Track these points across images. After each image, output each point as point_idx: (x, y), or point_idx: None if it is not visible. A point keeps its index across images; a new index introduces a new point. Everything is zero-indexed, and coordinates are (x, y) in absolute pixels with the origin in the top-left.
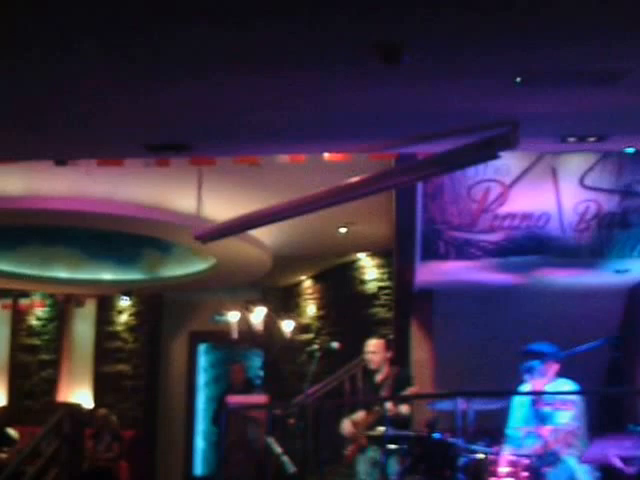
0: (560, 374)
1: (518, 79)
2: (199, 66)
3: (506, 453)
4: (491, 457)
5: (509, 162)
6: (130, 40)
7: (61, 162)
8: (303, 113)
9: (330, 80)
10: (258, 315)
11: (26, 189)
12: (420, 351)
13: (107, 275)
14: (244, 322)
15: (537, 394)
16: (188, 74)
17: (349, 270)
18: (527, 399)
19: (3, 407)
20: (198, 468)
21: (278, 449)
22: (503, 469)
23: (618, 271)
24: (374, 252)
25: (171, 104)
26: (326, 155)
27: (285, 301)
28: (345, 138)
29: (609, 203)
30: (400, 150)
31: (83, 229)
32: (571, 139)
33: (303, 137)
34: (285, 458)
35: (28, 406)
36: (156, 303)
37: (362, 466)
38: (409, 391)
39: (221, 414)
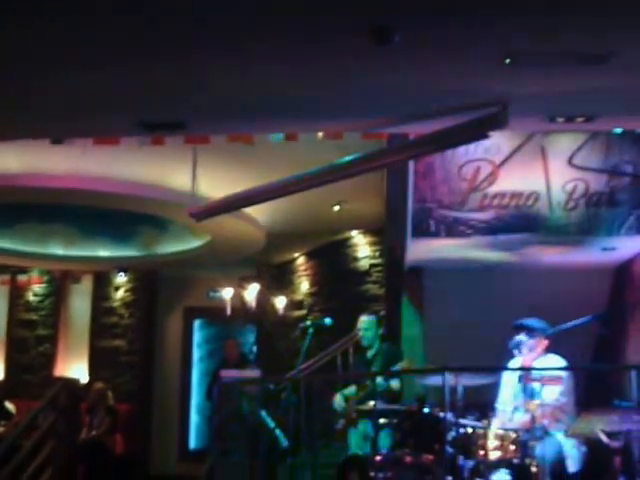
0: (549, 350)
1: (508, 60)
2: (193, 46)
3: (494, 427)
4: (480, 431)
5: (499, 142)
6: (124, 18)
7: (57, 141)
8: (296, 93)
9: (322, 60)
10: (252, 291)
11: (24, 167)
12: (411, 327)
13: (104, 252)
14: (238, 298)
15: (525, 370)
16: (182, 54)
17: (342, 247)
18: (516, 374)
19: (1, 381)
20: (192, 442)
21: (271, 423)
22: (491, 443)
23: (605, 249)
24: (366, 230)
25: (166, 83)
26: (320, 134)
27: (279, 278)
28: (338, 117)
29: (597, 182)
30: (392, 129)
31: (80, 206)
32: (560, 119)
33: (296, 116)
34: (278, 432)
35: (26, 380)
36: (152, 279)
37: (353, 440)
38: (400, 366)
39: (215, 388)
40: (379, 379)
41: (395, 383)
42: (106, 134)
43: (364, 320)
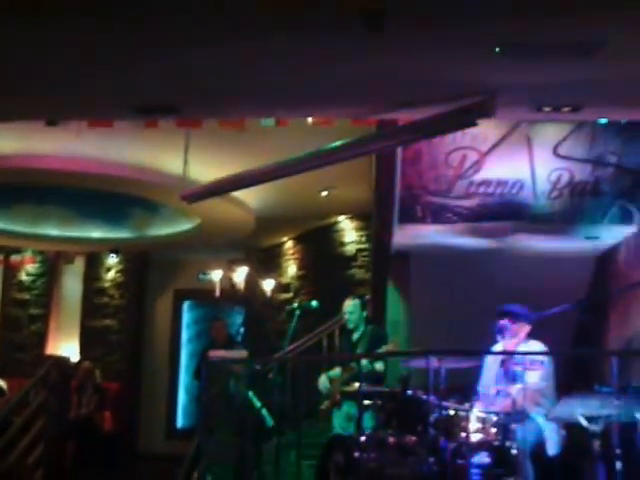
0: (531, 336)
1: (497, 49)
2: (185, 32)
3: (476, 410)
4: (462, 414)
5: (485, 130)
6: (121, 5)
7: (52, 122)
8: (287, 79)
9: (314, 47)
10: (240, 274)
11: (19, 148)
12: (395, 311)
13: (96, 233)
14: (227, 281)
15: (507, 354)
16: (174, 40)
17: (329, 232)
18: (498, 359)
19: None
20: (180, 420)
21: (258, 403)
22: (473, 425)
23: (588, 238)
24: (354, 215)
25: (159, 67)
26: (310, 120)
27: (267, 261)
28: (328, 104)
29: (581, 172)
30: (381, 116)
31: (74, 188)
32: (546, 109)
33: (288, 102)
34: (264, 412)
35: (19, 358)
36: (143, 261)
37: (338, 421)
38: (384, 349)
39: (203, 368)
40: (364, 361)
41: (379, 365)
42: (100, 117)
43: (349, 304)
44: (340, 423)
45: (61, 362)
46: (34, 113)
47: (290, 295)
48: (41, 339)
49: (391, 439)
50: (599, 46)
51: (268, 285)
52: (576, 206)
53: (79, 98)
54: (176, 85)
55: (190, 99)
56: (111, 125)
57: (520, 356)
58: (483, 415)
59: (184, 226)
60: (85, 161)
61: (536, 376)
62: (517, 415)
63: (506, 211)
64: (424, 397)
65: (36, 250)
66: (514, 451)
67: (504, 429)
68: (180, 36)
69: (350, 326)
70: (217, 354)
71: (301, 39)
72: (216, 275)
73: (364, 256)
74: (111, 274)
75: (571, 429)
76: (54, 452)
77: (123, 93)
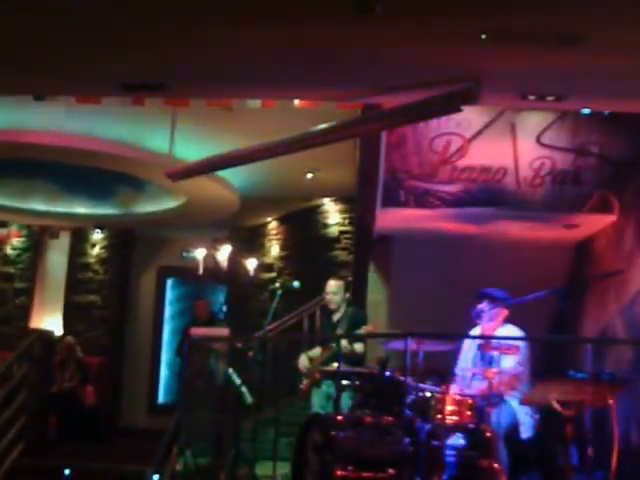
0: (508, 320)
1: (483, 36)
2: (175, 11)
3: (453, 392)
4: (438, 396)
5: (470, 116)
6: None
7: (40, 97)
8: (273, 61)
9: (300, 29)
10: (224, 253)
11: (6, 123)
12: (376, 293)
13: (82, 209)
14: (210, 259)
15: (485, 338)
16: (165, 17)
17: (313, 214)
18: (475, 342)
19: None
20: (162, 396)
21: (238, 380)
22: (449, 407)
23: (568, 226)
24: (337, 197)
25: (148, 45)
26: (296, 102)
27: (250, 240)
28: (314, 86)
29: (563, 161)
30: (367, 100)
31: (60, 164)
32: (531, 97)
33: (274, 84)
34: (244, 389)
35: (4, 332)
36: (128, 238)
37: (316, 400)
38: (364, 330)
39: (185, 345)
40: (343, 341)
41: (359, 346)
42: (88, 93)
43: (332, 284)
44: (319, 402)
45: (44, 336)
46: (21, 89)
47: (273, 275)
48: (25, 313)
49: (368, 419)
50: (583, 37)
51: (251, 264)
52: (557, 194)
53: (68, 73)
54: (164, 64)
55: (179, 78)
56: (99, 102)
57: (497, 340)
58: (459, 398)
59: (169, 204)
60: (71, 137)
61: (512, 360)
62: (493, 398)
63: (488, 197)
64: (402, 379)
65: (22, 224)
66: (488, 434)
67: (479, 412)
68: (170, 16)
69: (333, 307)
70: (199, 331)
71: (288, 22)
72: (200, 253)
73: (347, 238)
74: (96, 250)
75: (545, 413)
76: (36, 425)
77: (111, 69)
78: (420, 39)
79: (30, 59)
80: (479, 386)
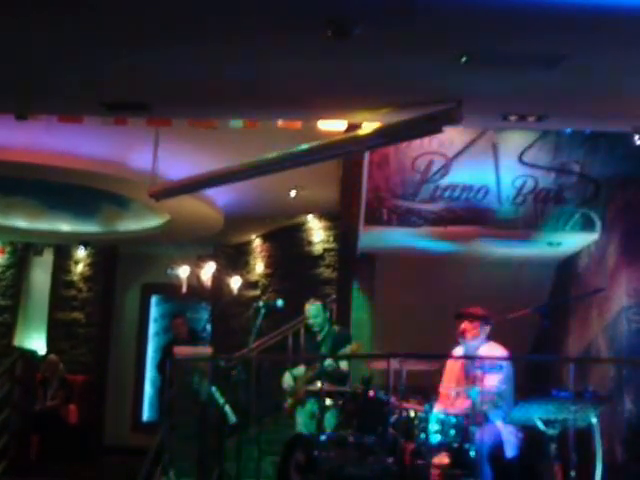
0: (490, 338)
1: (463, 59)
2: (159, 31)
3: (436, 411)
4: (422, 415)
5: (453, 136)
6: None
7: (22, 116)
8: (255, 82)
9: (282, 51)
10: (208, 270)
11: None
12: (360, 311)
13: (65, 226)
14: (195, 277)
15: (467, 358)
16: (148, 39)
17: (297, 231)
18: (459, 361)
19: None
20: (146, 413)
21: (221, 399)
22: (432, 427)
23: (550, 244)
24: (321, 215)
25: (128, 66)
26: (279, 122)
27: (235, 258)
28: (295, 107)
29: (545, 179)
30: (349, 120)
31: (43, 181)
32: (512, 117)
33: (256, 105)
34: (227, 408)
35: None
36: (111, 255)
37: (301, 418)
38: (348, 349)
39: (165, 363)
40: (328, 360)
41: (344, 365)
42: (70, 112)
43: (312, 308)
44: (304, 421)
45: (27, 354)
46: (2, 108)
47: (257, 292)
48: (9, 330)
49: (351, 439)
50: (562, 59)
51: (235, 282)
52: (539, 212)
53: (50, 93)
54: (145, 84)
55: (161, 98)
56: (81, 120)
57: (480, 359)
58: (443, 417)
59: (153, 222)
60: (54, 155)
61: (495, 379)
62: (476, 417)
63: (471, 216)
64: (385, 398)
65: (5, 241)
66: (472, 453)
67: (463, 431)
68: (154, 37)
69: (316, 329)
70: (182, 350)
71: (269, 43)
72: (184, 271)
73: (331, 256)
74: (80, 267)
75: (529, 432)
76: (18, 444)
77: (93, 89)
78: (401, 61)
79: (13, 78)
80: (463, 405)
